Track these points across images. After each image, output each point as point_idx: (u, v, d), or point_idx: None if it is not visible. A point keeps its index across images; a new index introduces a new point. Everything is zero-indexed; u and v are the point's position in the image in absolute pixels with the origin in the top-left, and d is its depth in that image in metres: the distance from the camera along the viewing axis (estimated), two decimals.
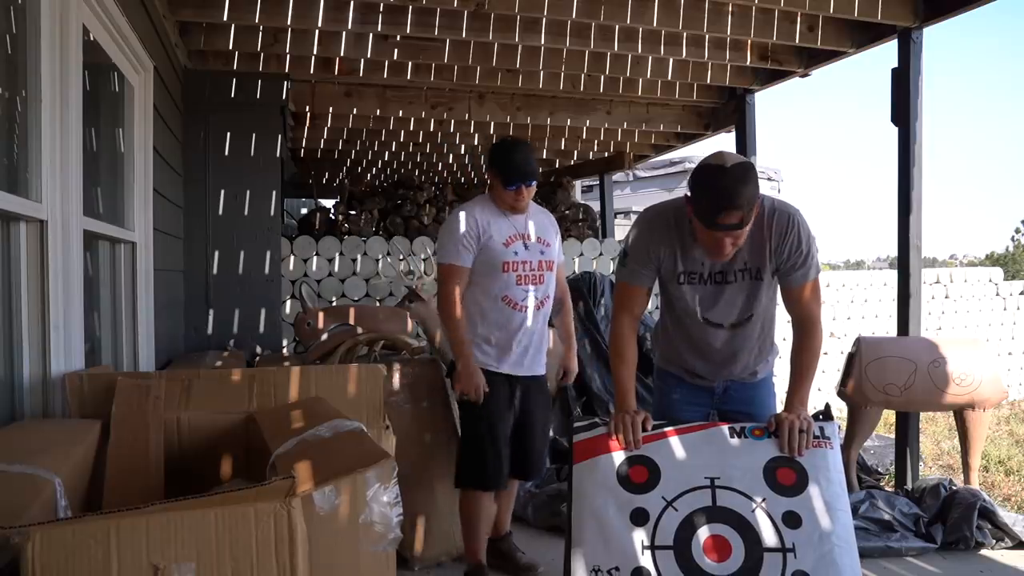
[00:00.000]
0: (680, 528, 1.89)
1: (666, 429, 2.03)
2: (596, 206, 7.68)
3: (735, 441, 2.00)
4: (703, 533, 1.89)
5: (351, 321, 3.89)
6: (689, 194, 1.92)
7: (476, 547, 2.68)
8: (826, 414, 2.07)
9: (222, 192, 4.24)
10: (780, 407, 2.15)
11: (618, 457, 2.00)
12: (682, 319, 2.20)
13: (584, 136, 6.36)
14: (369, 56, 4.14)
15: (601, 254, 6.06)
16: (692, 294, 2.11)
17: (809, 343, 2.07)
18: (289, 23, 3.65)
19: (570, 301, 2.91)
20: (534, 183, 2.64)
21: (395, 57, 4.18)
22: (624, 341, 2.14)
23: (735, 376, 2.25)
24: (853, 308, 7.08)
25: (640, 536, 1.89)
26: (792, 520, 1.90)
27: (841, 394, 3.77)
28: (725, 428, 2.03)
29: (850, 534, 1.91)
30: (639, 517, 1.91)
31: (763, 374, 2.29)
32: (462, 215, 2.64)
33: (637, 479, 1.97)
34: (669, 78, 4.70)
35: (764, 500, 1.92)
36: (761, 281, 2.07)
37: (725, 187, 1.80)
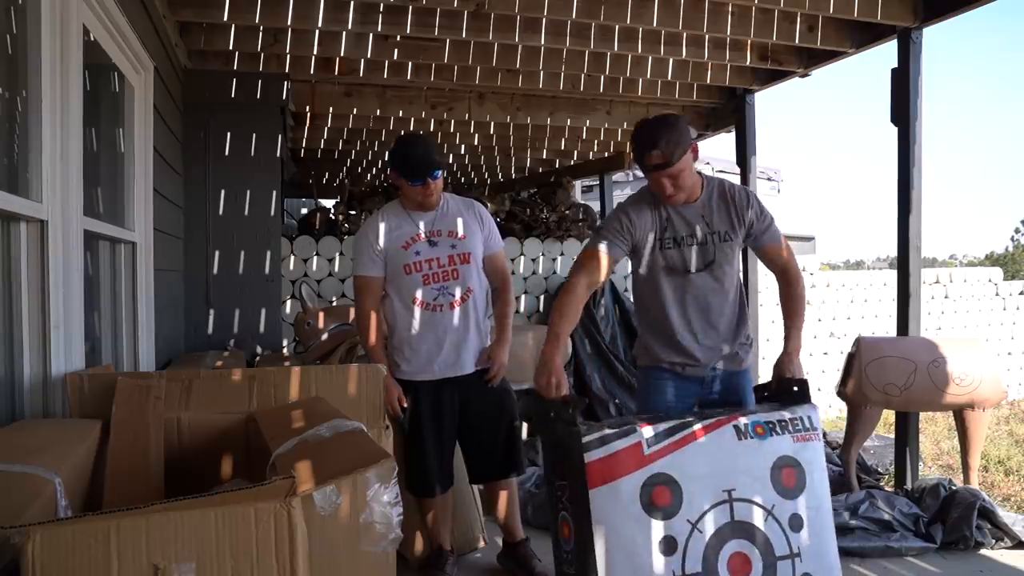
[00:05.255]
0: (706, 550, 1.91)
1: (677, 437, 1.97)
2: (596, 206, 7.68)
3: (742, 443, 2.02)
4: (726, 552, 1.92)
5: (351, 321, 3.89)
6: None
7: (432, 535, 2.78)
8: (801, 390, 2.18)
9: (222, 192, 4.23)
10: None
11: (639, 478, 1.90)
12: (660, 289, 2.35)
13: (584, 136, 6.36)
14: (369, 56, 4.14)
15: None
16: (672, 255, 2.32)
17: (796, 289, 2.37)
18: (289, 23, 3.65)
19: (511, 291, 2.77)
20: (440, 175, 2.53)
21: (395, 57, 4.18)
22: (579, 300, 2.24)
23: (722, 353, 2.38)
24: (853, 308, 7.08)
25: (671, 566, 1.88)
26: (796, 523, 1.99)
27: (841, 394, 3.77)
28: (731, 428, 2.03)
29: (831, 519, 2.07)
30: (668, 546, 1.89)
31: (747, 363, 2.45)
32: (367, 225, 2.64)
33: (661, 502, 1.91)
34: (669, 78, 4.70)
35: (774, 507, 1.98)
36: (732, 242, 2.33)
37: (645, 133, 2.19)
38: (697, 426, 2.01)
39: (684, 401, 2.38)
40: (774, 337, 6.52)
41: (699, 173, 2.34)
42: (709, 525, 1.92)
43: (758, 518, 1.95)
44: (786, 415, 2.10)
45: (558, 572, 2.11)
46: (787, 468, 2.01)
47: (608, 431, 1.93)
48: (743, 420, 2.06)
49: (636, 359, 2.55)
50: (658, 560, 1.87)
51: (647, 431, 1.97)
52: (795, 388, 2.20)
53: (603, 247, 2.28)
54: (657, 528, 1.89)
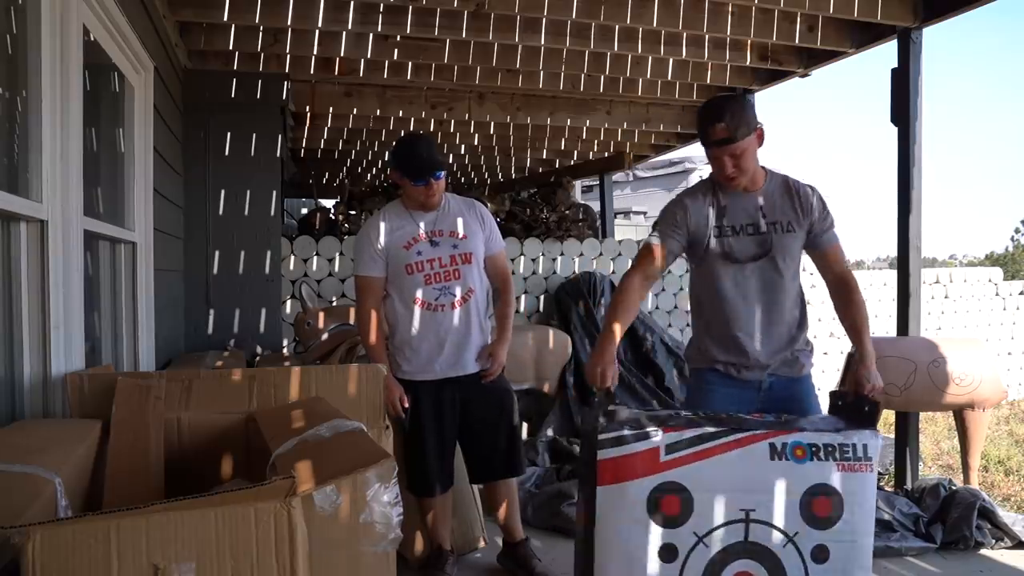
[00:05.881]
0: (710, 564, 1.86)
1: (700, 448, 1.89)
2: (596, 206, 7.68)
3: (775, 463, 1.90)
4: (731, 571, 1.86)
5: (351, 321, 3.89)
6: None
7: (432, 535, 2.78)
8: (870, 413, 2.03)
9: (222, 192, 4.23)
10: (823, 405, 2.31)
11: (648, 483, 1.86)
12: (718, 280, 2.27)
13: (584, 136, 6.37)
14: (369, 56, 4.14)
15: (601, 254, 6.05)
16: (730, 243, 2.26)
17: (858, 295, 2.27)
18: (289, 23, 3.65)
19: (511, 291, 2.78)
20: (442, 175, 2.55)
21: (395, 57, 4.19)
22: (632, 292, 2.22)
23: (780, 355, 2.27)
24: None
25: (669, 574, 1.85)
26: (820, 555, 1.90)
27: None
28: (766, 445, 1.91)
29: (868, 559, 1.93)
30: (668, 554, 1.85)
31: (807, 368, 2.33)
32: (368, 225, 2.65)
33: (668, 511, 1.87)
34: (669, 78, 4.70)
35: (796, 534, 1.89)
36: (795, 234, 2.26)
37: (712, 107, 2.19)
38: (728, 439, 1.90)
39: (738, 408, 2.21)
40: None
41: (763, 167, 2.29)
42: (717, 541, 1.86)
43: (777, 543, 1.88)
44: (838, 440, 1.94)
45: (576, 557, 2.09)
46: (822, 497, 1.91)
47: (626, 432, 1.89)
48: (782, 439, 1.92)
49: (688, 360, 2.46)
50: (654, 565, 1.85)
51: (668, 437, 1.90)
52: (865, 408, 2.06)
53: (658, 240, 2.26)
54: (659, 534, 1.85)
